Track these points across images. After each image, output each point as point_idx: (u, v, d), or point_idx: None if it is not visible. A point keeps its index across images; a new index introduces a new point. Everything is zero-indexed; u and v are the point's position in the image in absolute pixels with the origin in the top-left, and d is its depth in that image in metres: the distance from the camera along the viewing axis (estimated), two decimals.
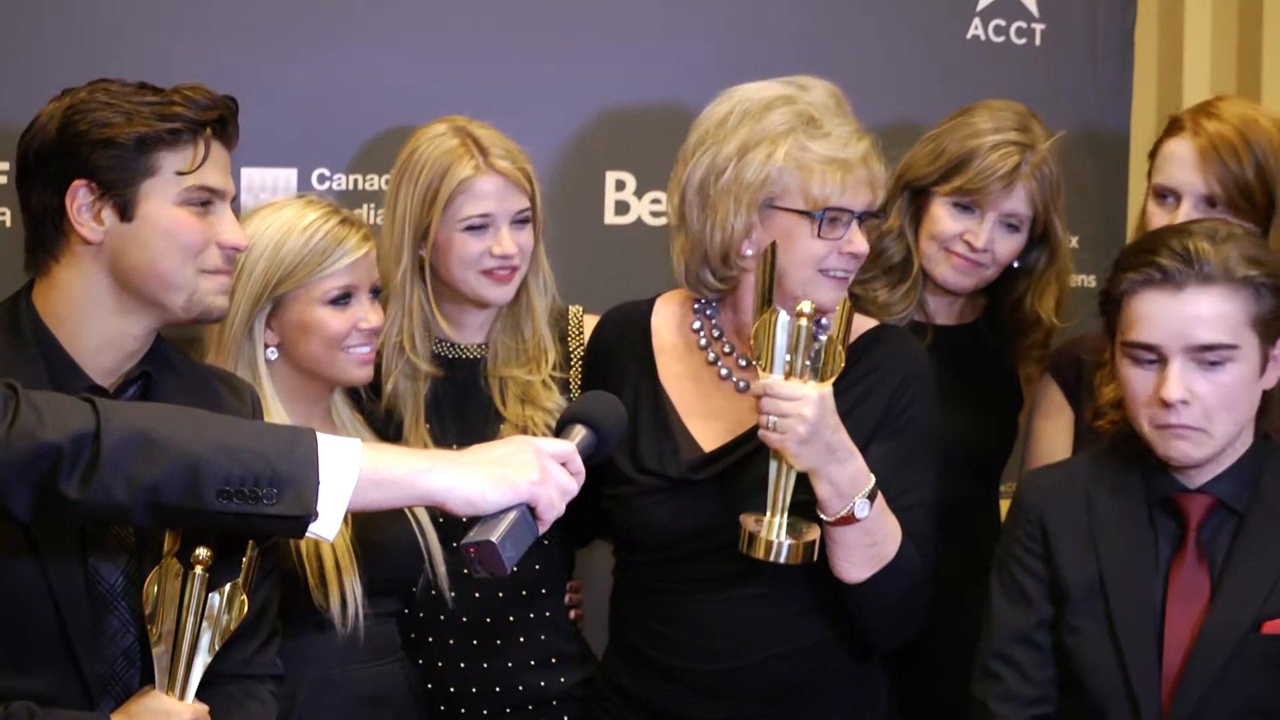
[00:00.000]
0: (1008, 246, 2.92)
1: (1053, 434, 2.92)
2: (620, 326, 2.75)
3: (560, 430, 2.20)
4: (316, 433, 2.00)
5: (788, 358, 2.39)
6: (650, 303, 2.76)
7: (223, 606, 2.16)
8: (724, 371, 2.65)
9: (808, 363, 2.40)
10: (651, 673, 2.63)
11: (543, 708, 2.81)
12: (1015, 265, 2.97)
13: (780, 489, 2.43)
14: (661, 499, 2.59)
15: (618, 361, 2.71)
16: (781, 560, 2.42)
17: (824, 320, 2.51)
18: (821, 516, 2.45)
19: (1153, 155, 2.81)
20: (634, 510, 2.62)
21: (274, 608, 2.35)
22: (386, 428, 2.80)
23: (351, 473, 1.97)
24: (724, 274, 2.60)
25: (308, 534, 1.97)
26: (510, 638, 2.81)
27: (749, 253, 2.55)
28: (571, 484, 2.09)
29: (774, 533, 2.43)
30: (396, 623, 2.75)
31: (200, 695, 2.16)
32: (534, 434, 2.76)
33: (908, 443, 2.56)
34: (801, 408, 2.36)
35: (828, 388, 2.39)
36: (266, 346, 2.63)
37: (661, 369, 2.68)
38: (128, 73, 2.26)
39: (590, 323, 2.93)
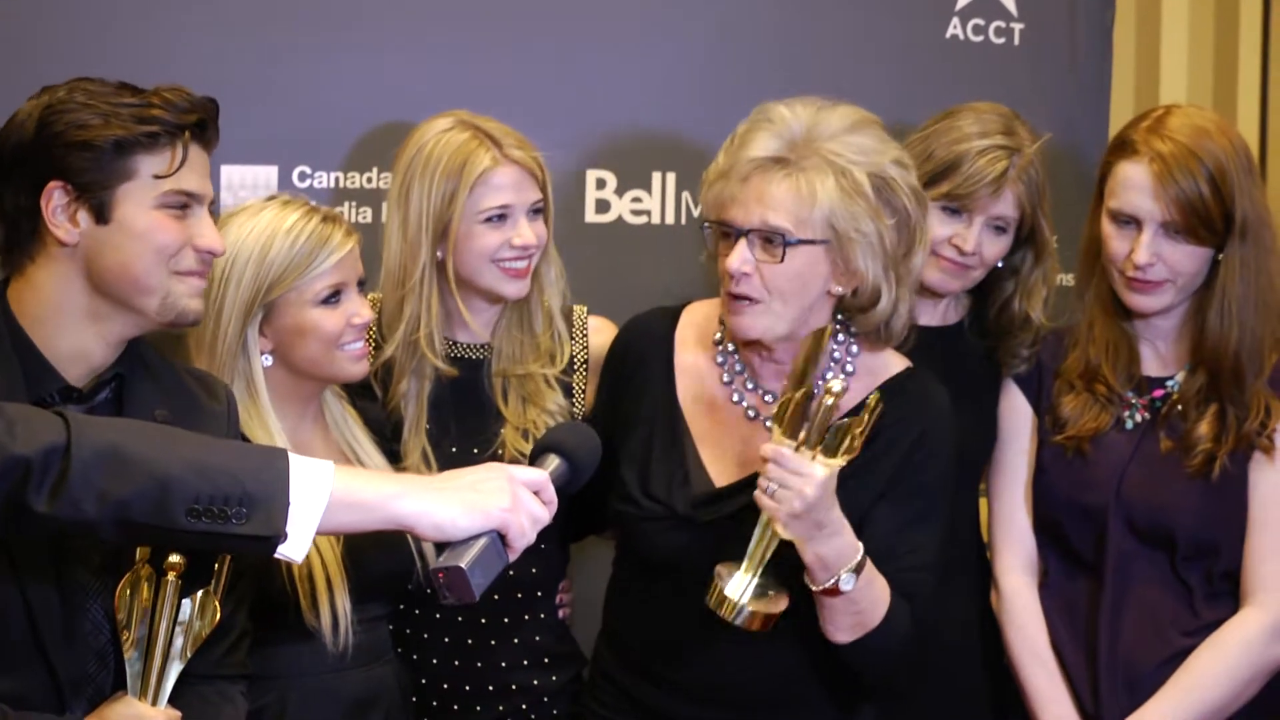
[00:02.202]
0: (995, 249, 2.93)
1: (1012, 441, 2.90)
2: (644, 337, 2.72)
3: (534, 459, 2.20)
4: (289, 453, 1.99)
5: (804, 430, 2.36)
6: (678, 311, 2.73)
7: (195, 613, 2.17)
8: (736, 396, 2.63)
9: (824, 440, 2.36)
10: (638, 673, 2.64)
11: (535, 707, 2.83)
12: (1000, 265, 2.98)
13: (761, 549, 2.42)
14: (665, 528, 2.58)
15: (639, 374, 2.69)
16: (738, 623, 2.41)
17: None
18: (808, 583, 2.43)
19: (1104, 173, 2.80)
20: (637, 534, 2.62)
21: (245, 608, 2.35)
22: (384, 426, 2.80)
23: (322, 495, 1.96)
24: None
25: (276, 555, 1.96)
26: (505, 637, 2.81)
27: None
28: (543, 513, 2.09)
29: (741, 593, 2.41)
30: (391, 619, 2.76)
31: (172, 697, 2.17)
32: (535, 436, 2.76)
33: (918, 503, 2.53)
34: (804, 485, 2.33)
35: (834, 468, 2.36)
36: (261, 354, 2.62)
37: (681, 390, 2.65)
38: (108, 69, 2.25)
39: (594, 324, 2.92)
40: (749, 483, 2.49)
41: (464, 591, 2.02)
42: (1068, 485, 2.80)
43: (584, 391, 2.88)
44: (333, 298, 2.62)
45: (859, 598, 2.43)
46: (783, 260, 2.46)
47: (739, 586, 2.41)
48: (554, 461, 2.18)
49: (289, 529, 1.94)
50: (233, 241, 2.55)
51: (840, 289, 2.54)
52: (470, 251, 2.77)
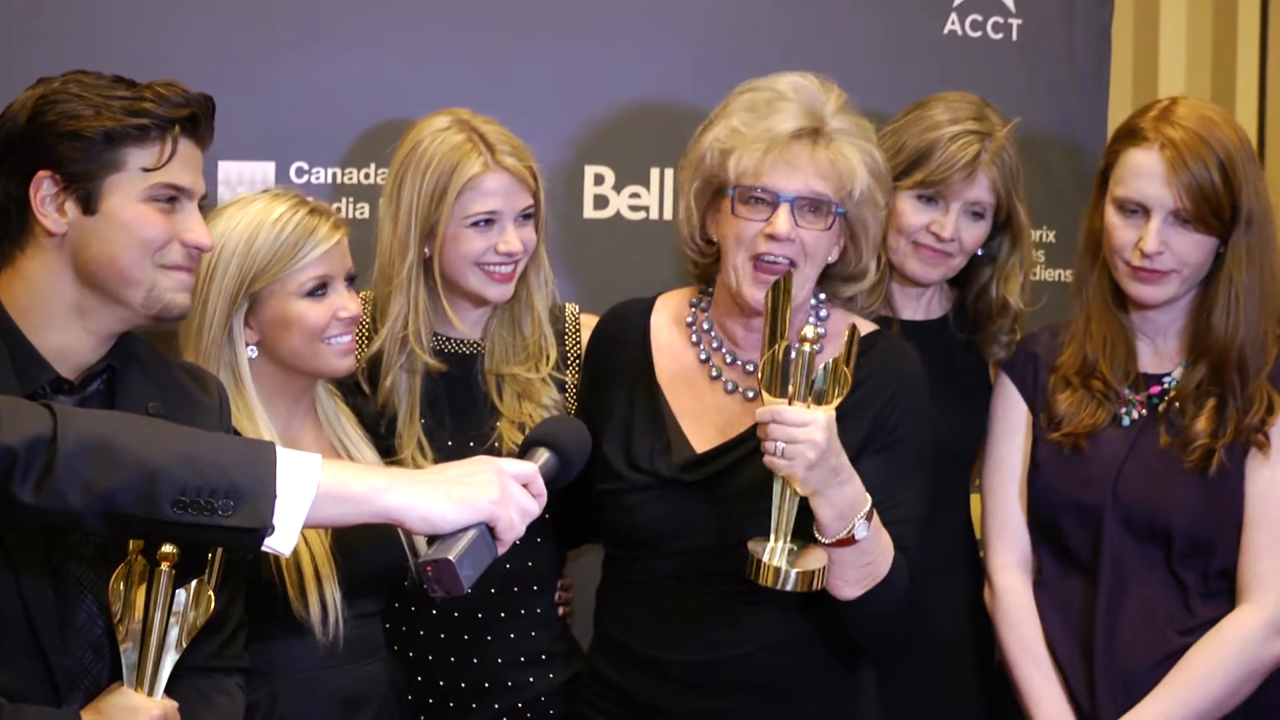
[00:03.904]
0: (973, 234, 2.94)
1: (1007, 437, 2.88)
2: (621, 323, 2.77)
3: (524, 452, 2.21)
4: (276, 446, 2.00)
5: (792, 384, 2.38)
6: (652, 300, 2.78)
7: (189, 603, 2.17)
8: (714, 372, 2.67)
9: (814, 386, 2.39)
10: (634, 665, 2.64)
11: (531, 705, 2.82)
12: (979, 253, 2.99)
13: (784, 514, 2.43)
14: (651, 497, 2.61)
15: (616, 358, 2.73)
16: (788, 588, 2.41)
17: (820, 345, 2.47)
18: (819, 538, 2.44)
19: (1108, 162, 2.78)
20: (624, 507, 2.63)
21: (240, 600, 2.35)
22: (379, 423, 2.80)
23: (309, 487, 1.97)
24: (696, 258, 2.68)
25: (263, 548, 1.96)
26: (501, 633, 2.81)
27: (715, 237, 2.62)
28: (532, 505, 2.09)
29: (779, 559, 2.42)
30: (385, 617, 2.76)
31: (169, 689, 2.17)
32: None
33: (898, 457, 2.57)
34: (811, 433, 2.35)
35: (832, 411, 2.39)
36: (246, 345, 2.62)
37: (658, 368, 2.70)
38: (106, 65, 2.27)
39: (586, 322, 2.93)
40: (730, 446, 2.57)
41: (453, 584, 2.02)
42: (1063, 482, 2.79)
43: (576, 388, 2.88)
44: (318, 290, 2.62)
45: (870, 547, 2.46)
46: (829, 227, 2.56)
47: (774, 553, 2.42)
48: (543, 455, 2.19)
49: (276, 521, 1.95)
50: (221, 232, 2.56)
51: (833, 257, 2.64)
52: (455, 254, 2.78)
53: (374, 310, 2.85)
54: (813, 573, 2.42)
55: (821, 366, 2.38)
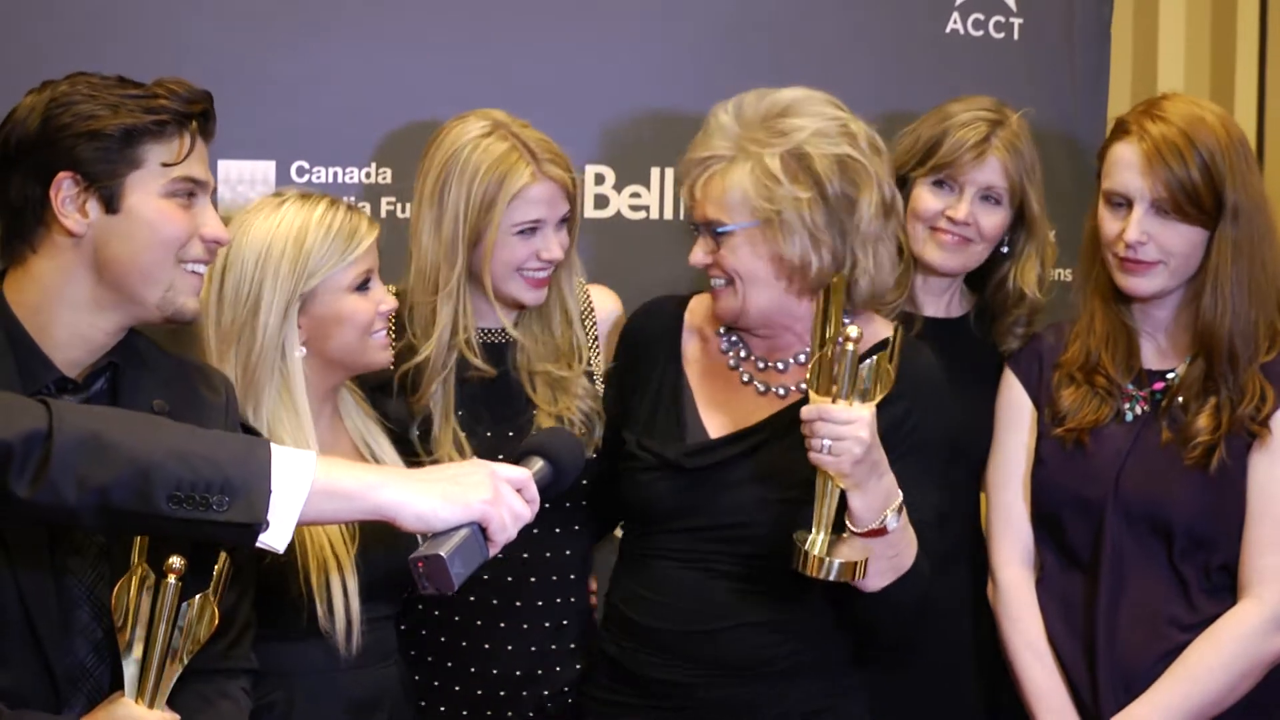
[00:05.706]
0: (991, 221, 2.97)
1: (1011, 433, 2.90)
2: (655, 318, 2.83)
3: (519, 460, 2.22)
4: (271, 442, 2.01)
5: (836, 383, 2.43)
6: (686, 298, 2.84)
7: (193, 617, 2.16)
8: (745, 377, 2.72)
9: (857, 385, 2.44)
10: (631, 637, 2.69)
11: (555, 697, 2.83)
12: (1004, 251, 3.03)
13: (826, 508, 2.47)
14: (656, 477, 2.68)
15: (650, 350, 2.79)
16: (831, 578, 2.45)
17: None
18: (851, 528, 2.49)
19: (1101, 157, 2.83)
20: (637, 483, 2.70)
21: (248, 601, 2.35)
22: (407, 420, 2.81)
23: (304, 483, 1.98)
24: None
25: (258, 544, 1.97)
26: (515, 626, 2.83)
27: None
28: (525, 510, 2.11)
29: (821, 550, 2.46)
30: (402, 614, 2.77)
31: (172, 693, 2.16)
32: (569, 420, 2.80)
33: (915, 461, 2.59)
34: (857, 430, 2.40)
35: (873, 408, 2.43)
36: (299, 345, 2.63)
37: (686, 360, 2.77)
38: (108, 64, 2.27)
39: (595, 292, 2.97)
40: (740, 436, 2.65)
41: (443, 581, 2.03)
42: (1066, 478, 2.80)
43: (598, 359, 2.93)
44: (364, 285, 2.65)
45: (898, 539, 2.52)
46: (719, 248, 2.63)
47: (817, 544, 2.46)
48: (538, 463, 2.22)
49: (270, 517, 1.96)
50: (259, 239, 2.58)
51: (804, 261, 2.61)
52: (499, 260, 2.80)
53: (406, 310, 2.83)
54: (855, 564, 2.47)
55: (865, 364, 2.43)
